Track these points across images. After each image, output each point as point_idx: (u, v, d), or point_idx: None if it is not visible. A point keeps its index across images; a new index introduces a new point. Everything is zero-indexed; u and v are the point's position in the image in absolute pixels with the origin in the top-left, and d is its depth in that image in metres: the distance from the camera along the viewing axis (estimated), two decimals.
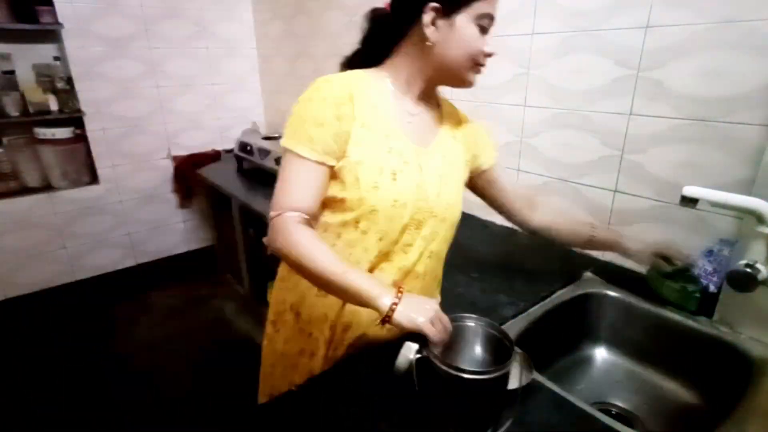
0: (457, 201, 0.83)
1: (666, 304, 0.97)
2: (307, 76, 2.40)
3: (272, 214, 0.72)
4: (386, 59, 0.79)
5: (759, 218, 0.68)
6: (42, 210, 2.27)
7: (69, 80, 2.21)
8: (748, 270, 0.68)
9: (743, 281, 0.69)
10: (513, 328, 0.92)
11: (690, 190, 0.70)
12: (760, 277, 0.68)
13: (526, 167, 1.37)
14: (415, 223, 0.77)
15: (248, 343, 2.20)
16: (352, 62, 0.82)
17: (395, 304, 0.62)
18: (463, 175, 0.86)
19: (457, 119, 0.87)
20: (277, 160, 2.01)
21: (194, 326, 2.38)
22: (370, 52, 0.81)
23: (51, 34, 2.16)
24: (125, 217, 2.57)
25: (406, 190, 0.74)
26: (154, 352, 2.15)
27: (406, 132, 0.77)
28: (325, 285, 0.70)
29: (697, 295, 0.92)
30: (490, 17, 0.71)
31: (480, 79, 0.71)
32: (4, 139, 2.17)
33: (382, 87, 0.77)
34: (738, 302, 0.86)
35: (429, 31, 0.70)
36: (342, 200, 0.74)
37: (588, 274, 1.12)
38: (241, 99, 2.85)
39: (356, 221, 0.75)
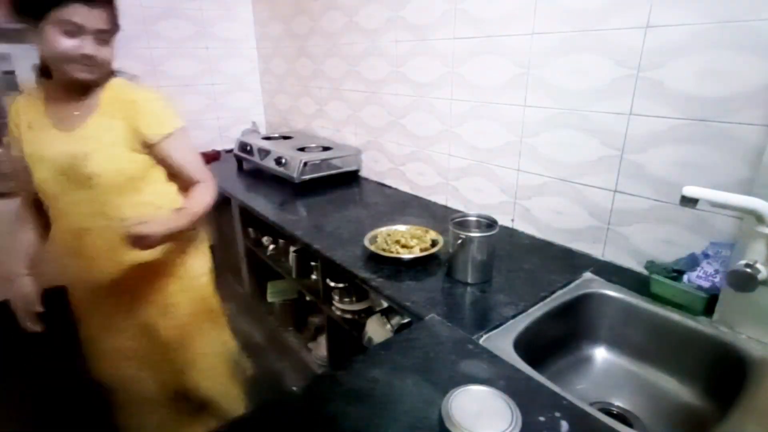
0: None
1: (668, 305, 0.97)
2: (307, 76, 2.40)
3: None
4: None
5: (759, 218, 0.68)
6: None
7: None
8: (748, 270, 0.68)
9: (743, 281, 0.69)
10: (513, 328, 0.92)
11: (690, 190, 0.70)
12: (760, 277, 0.68)
13: (525, 167, 1.37)
14: None
15: (248, 343, 2.20)
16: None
17: None
18: (124, 147, 1.03)
19: (120, 100, 1.03)
20: (277, 160, 2.00)
21: None
22: None
23: None
24: None
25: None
26: None
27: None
28: None
29: (704, 295, 0.92)
30: (70, 23, 0.86)
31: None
32: (4, 139, 2.16)
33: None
34: (738, 302, 0.86)
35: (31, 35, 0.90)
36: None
37: (588, 274, 1.12)
38: (240, 99, 2.85)
39: None
